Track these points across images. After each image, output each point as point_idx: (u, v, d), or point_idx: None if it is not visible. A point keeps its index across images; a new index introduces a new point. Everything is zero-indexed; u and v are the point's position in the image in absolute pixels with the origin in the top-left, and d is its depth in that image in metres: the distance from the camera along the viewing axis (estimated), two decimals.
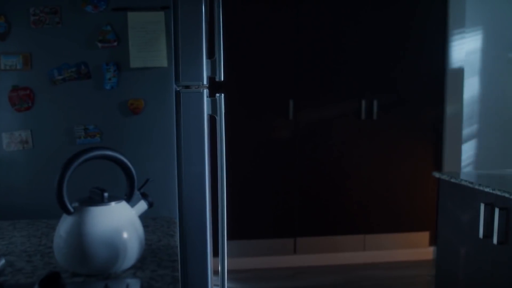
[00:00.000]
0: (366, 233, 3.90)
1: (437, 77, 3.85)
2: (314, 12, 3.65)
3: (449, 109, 3.86)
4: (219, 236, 1.79)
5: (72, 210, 1.03)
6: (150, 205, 1.15)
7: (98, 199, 1.05)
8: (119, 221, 1.05)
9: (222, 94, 1.70)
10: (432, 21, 3.79)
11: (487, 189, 2.20)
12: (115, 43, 1.60)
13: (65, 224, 1.04)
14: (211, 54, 1.73)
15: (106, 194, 1.05)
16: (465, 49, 3.78)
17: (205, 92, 1.67)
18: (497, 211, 2.14)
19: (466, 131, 3.88)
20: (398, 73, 3.76)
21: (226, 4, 3.35)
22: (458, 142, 3.88)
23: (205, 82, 1.66)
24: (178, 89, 1.65)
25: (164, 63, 1.61)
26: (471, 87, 3.85)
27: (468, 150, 3.90)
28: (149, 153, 1.64)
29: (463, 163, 3.90)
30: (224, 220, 1.79)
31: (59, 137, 1.62)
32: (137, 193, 1.13)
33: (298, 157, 3.78)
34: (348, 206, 3.85)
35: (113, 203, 1.06)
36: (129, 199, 1.12)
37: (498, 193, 2.12)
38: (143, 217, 1.50)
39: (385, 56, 3.74)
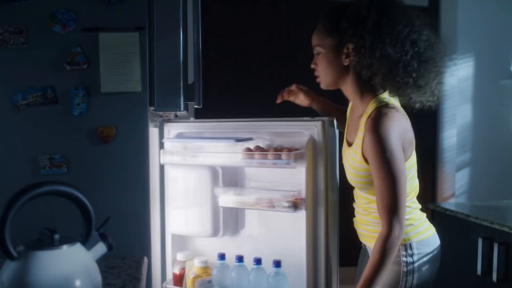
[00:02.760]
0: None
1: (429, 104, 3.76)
2: (304, 36, 3.57)
3: (442, 136, 3.76)
4: None
5: (15, 255, 0.89)
6: (109, 247, 1.01)
7: (48, 242, 0.91)
8: (70, 268, 0.91)
9: None
10: None
11: (485, 223, 2.07)
12: (85, 66, 1.49)
13: (8, 270, 0.90)
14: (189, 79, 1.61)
15: (57, 236, 0.91)
16: (457, 76, 3.71)
17: None
18: (496, 246, 2.01)
19: (459, 159, 3.78)
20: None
21: (211, 26, 3.26)
22: (452, 170, 3.77)
23: (182, 109, 1.54)
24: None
25: (138, 88, 1.50)
26: (464, 114, 3.77)
27: (461, 179, 3.80)
28: (120, 186, 1.51)
29: (456, 192, 3.78)
30: None
31: (22, 167, 1.48)
32: (95, 233, 0.99)
33: None
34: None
35: (64, 247, 0.92)
36: (85, 240, 0.98)
37: (497, 227, 2.00)
38: (111, 257, 1.37)
39: None
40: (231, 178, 1.87)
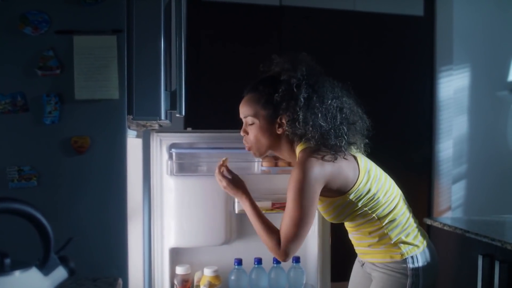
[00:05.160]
0: None
1: (425, 115, 3.69)
2: (296, 50, 3.48)
3: (437, 148, 3.69)
4: None
5: None
6: (71, 272, 0.90)
7: None
8: None
9: None
10: (419, 58, 3.66)
11: (485, 239, 1.97)
12: (58, 71, 1.38)
13: None
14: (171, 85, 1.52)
15: (7, 260, 0.80)
16: (453, 86, 3.65)
17: None
18: (497, 264, 1.91)
19: (456, 171, 3.70)
20: (384, 111, 3.59)
21: (202, 32, 3.17)
22: (448, 183, 3.69)
23: (163, 118, 1.43)
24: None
25: (115, 95, 1.39)
26: (460, 126, 3.70)
27: (457, 191, 3.72)
28: (95, 200, 1.40)
29: (452, 205, 3.70)
30: None
31: None
32: (54, 257, 0.88)
33: None
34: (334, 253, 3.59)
35: (17, 272, 0.81)
36: (43, 265, 0.87)
37: (499, 244, 1.89)
38: (82, 279, 1.26)
39: (371, 93, 3.57)
40: None
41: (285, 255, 1.42)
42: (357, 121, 1.53)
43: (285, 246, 1.41)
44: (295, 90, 1.43)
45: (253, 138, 1.53)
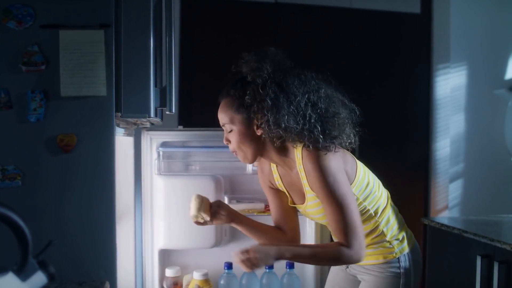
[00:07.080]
0: None
1: (422, 113, 3.65)
2: (291, 48, 3.45)
3: (434, 147, 3.66)
4: None
5: None
6: (50, 277, 0.85)
7: None
8: None
9: None
10: (415, 56, 3.63)
11: (484, 240, 1.93)
12: (43, 67, 1.34)
13: None
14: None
15: None
16: (450, 84, 3.62)
17: None
18: (496, 265, 1.87)
19: (453, 170, 3.68)
20: (380, 109, 3.55)
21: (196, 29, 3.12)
22: (445, 182, 3.67)
23: (152, 115, 1.39)
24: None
25: (103, 92, 1.35)
26: (457, 124, 3.68)
27: (454, 190, 3.69)
28: (82, 200, 1.35)
29: (449, 204, 3.68)
30: None
31: None
32: (32, 261, 0.83)
33: None
34: None
35: None
36: (20, 270, 0.82)
37: (498, 244, 1.85)
38: (68, 282, 1.21)
39: (367, 91, 3.54)
40: (230, 186, 1.94)
41: (353, 250, 1.30)
42: (337, 112, 1.42)
43: (346, 241, 1.30)
44: (261, 91, 1.34)
45: (236, 145, 1.42)
